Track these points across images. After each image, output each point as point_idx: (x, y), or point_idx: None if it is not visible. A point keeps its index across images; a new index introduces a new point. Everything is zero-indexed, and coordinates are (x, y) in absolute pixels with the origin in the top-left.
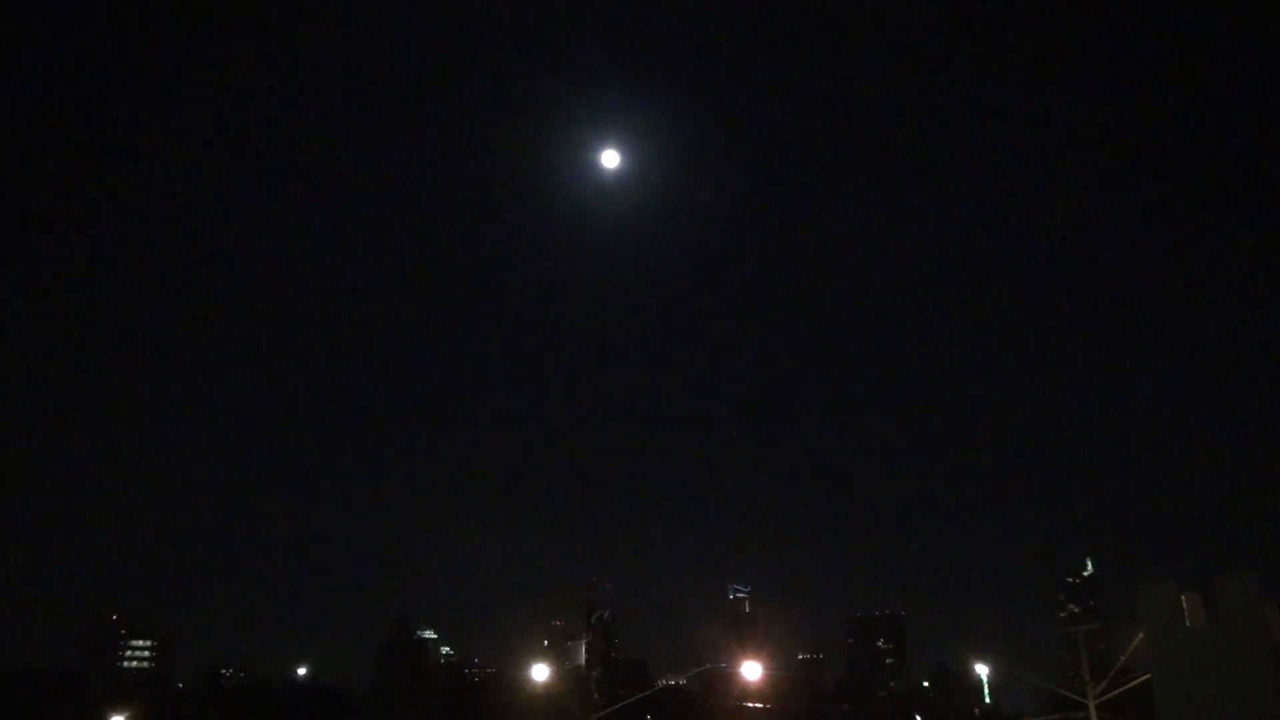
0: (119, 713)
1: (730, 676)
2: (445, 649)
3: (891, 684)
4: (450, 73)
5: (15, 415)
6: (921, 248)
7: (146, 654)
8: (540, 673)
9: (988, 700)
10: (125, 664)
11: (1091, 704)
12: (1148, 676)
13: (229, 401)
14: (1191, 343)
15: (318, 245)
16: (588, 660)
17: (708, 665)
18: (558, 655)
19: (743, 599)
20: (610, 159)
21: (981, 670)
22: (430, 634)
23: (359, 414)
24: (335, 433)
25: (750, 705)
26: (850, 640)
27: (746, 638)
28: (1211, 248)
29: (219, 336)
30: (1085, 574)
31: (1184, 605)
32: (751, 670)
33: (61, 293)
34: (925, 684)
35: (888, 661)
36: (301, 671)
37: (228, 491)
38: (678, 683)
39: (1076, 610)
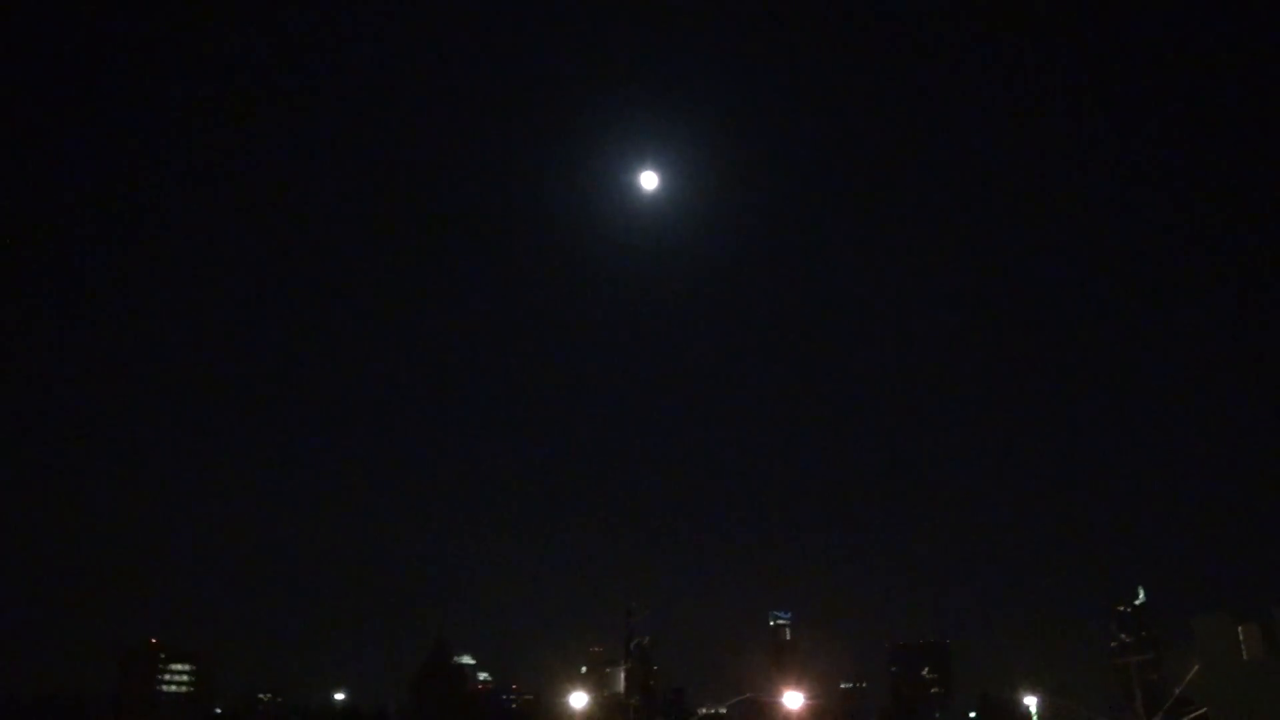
0: None
1: (771, 705)
2: (483, 674)
3: (936, 715)
4: (488, 95)
5: (54, 442)
6: (966, 267)
7: (185, 678)
8: (579, 700)
9: None
10: (164, 688)
11: None
12: (1204, 710)
13: (270, 426)
14: (1250, 365)
15: (354, 266)
16: (626, 687)
17: (748, 694)
18: (596, 682)
19: (784, 626)
20: (649, 180)
21: (1029, 701)
22: (468, 659)
23: (398, 437)
24: (374, 455)
25: None
26: (894, 669)
27: (787, 666)
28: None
29: (256, 358)
30: (1137, 602)
31: (1241, 637)
32: (793, 699)
33: (89, 320)
34: (971, 715)
35: (932, 691)
36: (339, 696)
37: (268, 516)
38: (717, 711)
39: (1128, 640)
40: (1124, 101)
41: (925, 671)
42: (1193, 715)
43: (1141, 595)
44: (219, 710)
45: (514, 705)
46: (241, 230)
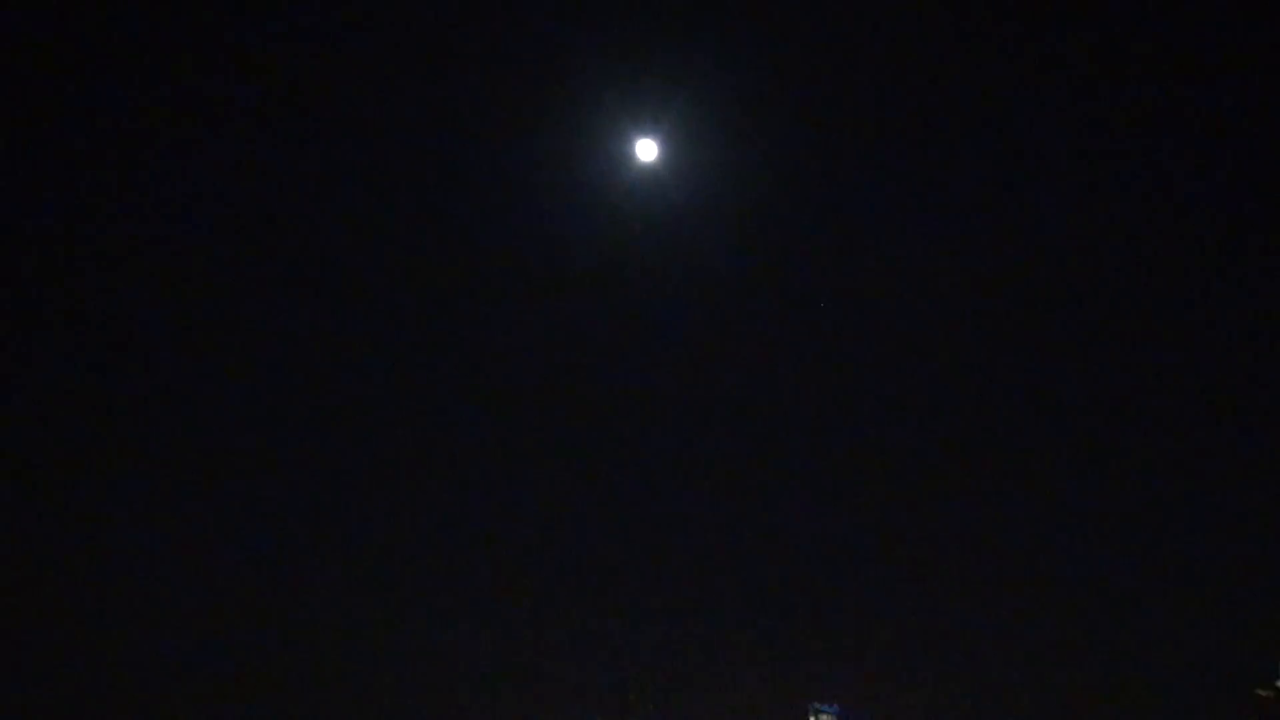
0: None
1: None
2: None
3: None
4: (467, 51)
5: (10, 474)
6: (999, 260)
7: None
8: None
9: None
10: None
11: None
12: None
13: (228, 467)
14: None
15: (329, 263)
16: None
17: None
18: None
19: None
20: (646, 150)
21: None
22: None
23: (341, 474)
24: (307, 503)
25: None
26: None
27: None
28: None
29: (209, 389)
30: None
31: None
32: None
33: (34, 369)
34: None
35: None
36: None
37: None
38: None
39: None
40: (1127, 102)
41: None
42: None
43: None
44: None
45: None
46: (214, 254)
